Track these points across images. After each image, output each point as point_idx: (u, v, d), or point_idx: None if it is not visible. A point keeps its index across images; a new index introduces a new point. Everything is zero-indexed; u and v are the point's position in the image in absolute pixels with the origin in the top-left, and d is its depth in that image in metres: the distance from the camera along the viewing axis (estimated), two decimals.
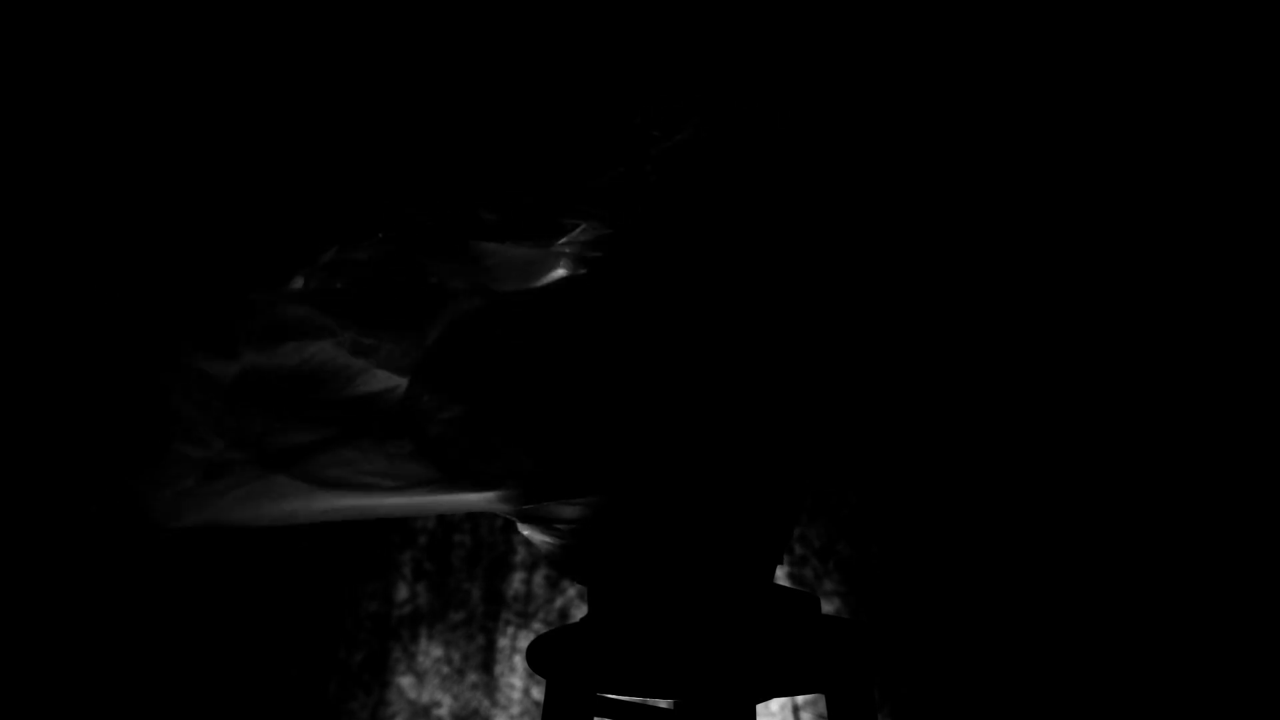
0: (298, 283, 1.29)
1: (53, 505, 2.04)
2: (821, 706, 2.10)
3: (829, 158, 1.42)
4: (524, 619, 2.18)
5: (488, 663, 2.19)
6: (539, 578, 2.19)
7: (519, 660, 2.17)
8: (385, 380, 1.24)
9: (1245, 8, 1.94)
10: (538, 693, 2.17)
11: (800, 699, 2.11)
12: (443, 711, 2.18)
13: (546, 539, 1.32)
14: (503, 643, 2.18)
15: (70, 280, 1.91)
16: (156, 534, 1.23)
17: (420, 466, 1.23)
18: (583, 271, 1.28)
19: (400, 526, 2.22)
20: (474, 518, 2.21)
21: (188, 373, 1.24)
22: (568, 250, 1.28)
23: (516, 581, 2.19)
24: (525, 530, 1.33)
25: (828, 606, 2.10)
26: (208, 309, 1.28)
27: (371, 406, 1.24)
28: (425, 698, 2.18)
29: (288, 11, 1.92)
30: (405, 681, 2.19)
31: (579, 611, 2.15)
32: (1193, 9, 1.95)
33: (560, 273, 1.28)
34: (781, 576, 2.10)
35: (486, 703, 2.18)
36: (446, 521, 2.22)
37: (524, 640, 2.17)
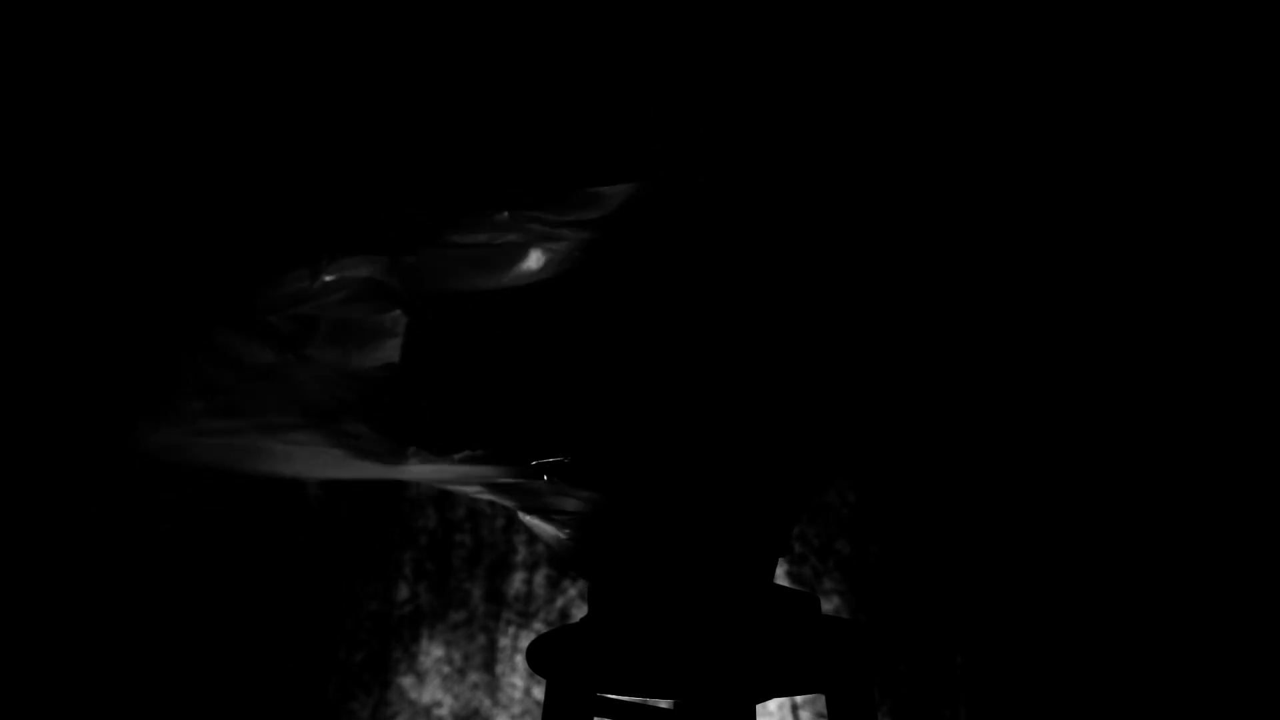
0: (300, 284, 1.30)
1: (53, 504, 2.05)
2: (821, 706, 2.10)
3: (828, 161, 1.42)
4: (525, 619, 2.19)
5: (489, 662, 2.19)
6: (540, 577, 2.19)
7: (520, 660, 2.17)
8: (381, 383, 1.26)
9: (1244, 9, 1.94)
10: (539, 692, 2.17)
11: (799, 698, 2.11)
12: (444, 711, 2.18)
13: (547, 529, 1.33)
14: (504, 642, 2.19)
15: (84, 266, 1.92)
16: (153, 466, 1.25)
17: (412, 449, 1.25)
18: (585, 266, 1.28)
19: (401, 526, 2.22)
20: (475, 518, 2.22)
21: (201, 340, 1.27)
22: (570, 247, 1.29)
23: (517, 581, 2.20)
24: (527, 520, 1.34)
25: (827, 606, 2.11)
26: (219, 293, 1.31)
27: (366, 399, 1.26)
28: (426, 698, 2.18)
29: (298, 13, 1.93)
30: (406, 681, 2.19)
31: (579, 611, 2.16)
32: (1192, 11, 1.96)
33: (562, 268, 1.29)
34: (781, 576, 2.11)
35: (488, 702, 2.18)
36: (447, 521, 2.22)
37: (525, 640, 2.17)
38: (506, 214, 1.29)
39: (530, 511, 1.33)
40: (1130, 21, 1.96)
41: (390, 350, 1.27)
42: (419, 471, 1.25)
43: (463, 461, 1.25)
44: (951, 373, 2.04)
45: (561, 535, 1.33)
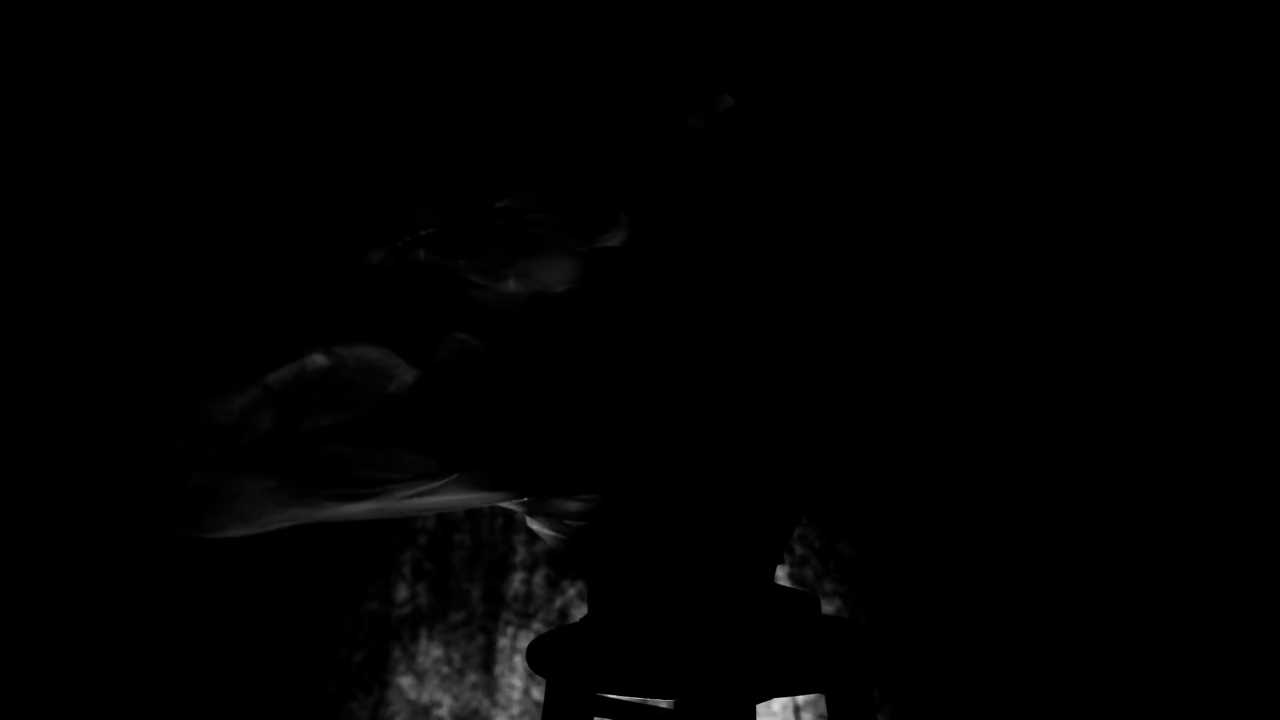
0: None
1: (56, 499, 2.04)
2: (822, 706, 2.10)
3: (828, 159, 1.42)
4: (523, 619, 2.18)
5: (488, 663, 2.19)
6: (539, 578, 2.19)
7: (519, 660, 2.17)
8: (397, 380, 1.25)
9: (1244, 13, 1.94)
10: (538, 693, 2.17)
11: (801, 699, 2.11)
12: (443, 711, 2.18)
13: (552, 534, 1.33)
14: (503, 643, 2.18)
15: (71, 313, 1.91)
16: (163, 541, 1.24)
17: (427, 461, 1.24)
18: (591, 273, 1.28)
19: (400, 527, 2.22)
20: (474, 517, 2.22)
21: (190, 411, 1.24)
22: (578, 251, 1.29)
23: (516, 581, 2.20)
24: (533, 524, 1.33)
25: (828, 607, 2.11)
26: (218, 336, 1.28)
27: (380, 405, 1.25)
28: (425, 698, 2.18)
29: (289, 11, 1.92)
30: (405, 681, 2.19)
31: (579, 611, 2.15)
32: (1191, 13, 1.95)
33: (570, 274, 1.28)
34: (781, 576, 2.10)
35: (486, 703, 2.18)
36: (446, 521, 2.22)
37: (524, 640, 2.17)
38: (519, 216, 1.29)
39: (533, 513, 1.33)
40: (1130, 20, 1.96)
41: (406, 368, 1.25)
42: (443, 502, 1.25)
43: (488, 487, 1.24)
44: (950, 374, 2.04)
45: (563, 536, 1.33)
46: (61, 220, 1.90)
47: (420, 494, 1.25)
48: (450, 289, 1.28)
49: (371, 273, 1.29)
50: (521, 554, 2.20)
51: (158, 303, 1.35)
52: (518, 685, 2.18)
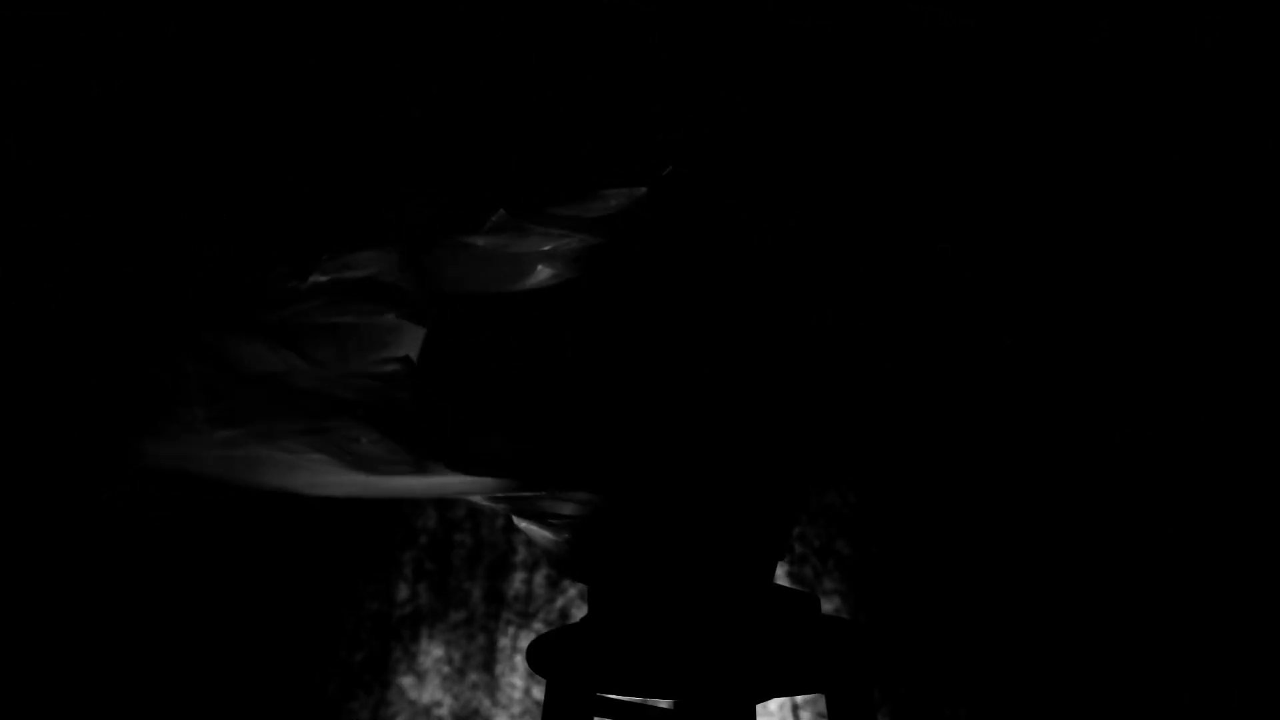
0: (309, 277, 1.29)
1: (57, 496, 2.04)
2: (821, 706, 2.10)
3: (829, 160, 1.42)
4: (525, 619, 2.18)
5: (489, 662, 2.19)
6: (540, 578, 2.19)
7: (520, 660, 2.17)
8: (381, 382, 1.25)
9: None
10: (538, 692, 2.17)
11: (800, 699, 2.11)
12: (443, 711, 2.18)
13: (544, 534, 1.33)
14: (503, 642, 2.18)
15: (86, 260, 1.91)
16: (155, 484, 1.24)
17: (423, 462, 1.24)
18: (582, 270, 1.28)
19: (401, 526, 2.22)
20: (475, 517, 2.22)
21: (202, 344, 1.25)
22: (567, 249, 1.29)
23: (517, 581, 2.20)
24: (521, 524, 1.33)
25: (828, 606, 2.11)
26: (217, 295, 1.30)
27: (369, 402, 1.25)
28: (426, 697, 2.18)
29: (289, 11, 1.92)
30: (406, 681, 2.19)
31: (579, 611, 2.16)
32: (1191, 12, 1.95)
33: (559, 272, 1.29)
34: (781, 576, 2.10)
35: (487, 702, 2.18)
36: (448, 521, 2.22)
37: (525, 640, 2.17)
38: (508, 215, 1.29)
39: (525, 515, 1.33)
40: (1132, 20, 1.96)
41: (397, 352, 1.26)
42: (432, 485, 1.25)
43: (478, 474, 1.24)
44: (950, 373, 2.04)
45: (558, 539, 1.33)
46: (61, 220, 1.90)
47: (409, 479, 1.25)
48: (446, 288, 1.28)
49: (367, 273, 1.29)
50: (522, 554, 2.20)
51: (156, 302, 1.35)
52: (518, 685, 2.18)
